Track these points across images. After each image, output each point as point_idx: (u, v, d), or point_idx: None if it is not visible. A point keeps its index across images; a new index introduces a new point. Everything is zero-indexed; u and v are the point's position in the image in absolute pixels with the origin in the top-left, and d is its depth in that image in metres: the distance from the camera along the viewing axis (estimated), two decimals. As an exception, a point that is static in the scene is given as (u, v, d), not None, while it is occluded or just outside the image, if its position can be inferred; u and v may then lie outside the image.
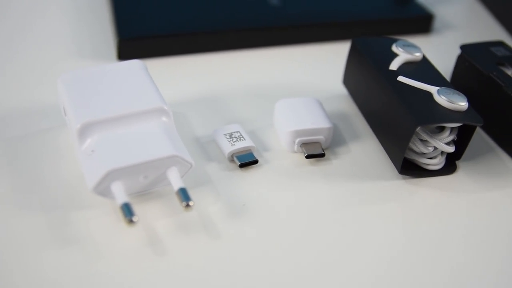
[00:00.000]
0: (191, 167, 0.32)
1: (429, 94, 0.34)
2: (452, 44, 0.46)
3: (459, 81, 0.41)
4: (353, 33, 0.47)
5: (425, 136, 0.33)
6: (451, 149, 0.34)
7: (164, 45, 0.44)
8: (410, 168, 0.35)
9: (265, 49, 0.46)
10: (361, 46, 0.38)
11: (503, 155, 0.37)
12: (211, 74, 0.43)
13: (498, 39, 0.48)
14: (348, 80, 0.40)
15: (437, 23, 0.51)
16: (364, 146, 0.37)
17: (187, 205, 0.30)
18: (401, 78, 0.35)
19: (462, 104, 0.33)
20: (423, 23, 0.49)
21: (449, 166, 0.35)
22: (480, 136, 0.38)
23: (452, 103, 0.33)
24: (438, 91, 0.34)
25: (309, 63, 0.45)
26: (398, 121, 0.33)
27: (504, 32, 0.51)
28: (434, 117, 0.33)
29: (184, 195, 0.30)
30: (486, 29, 0.51)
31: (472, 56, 0.39)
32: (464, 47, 0.40)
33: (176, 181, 0.31)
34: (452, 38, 0.49)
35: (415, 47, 0.38)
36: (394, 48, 0.38)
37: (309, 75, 0.43)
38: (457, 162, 0.36)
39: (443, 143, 0.33)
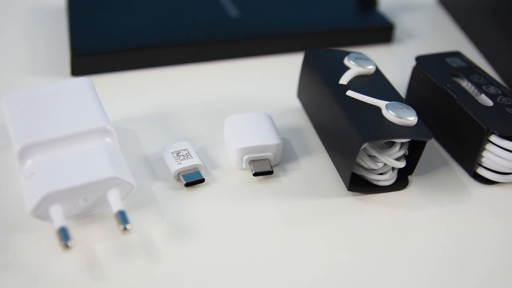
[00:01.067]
0: (133, 188, 0.31)
1: (377, 109, 0.33)
2: (413, 53, 0.45)
3: (414, 93, 0.40)
4: (313, 44, 0.46)
5: (373, 152, 0.33)
6: (401, 164, 0.33)
7: (117, 60, 0.43)
8: (360, 184, 0.34)
9: (222, 62, 0.45)
10: (313, 59, 0.38)
11: (457, 168, 0.36)
12: (165, 89, 0.42)
13: (461, 48, 0.47)
14: (301, 94, 0.40)
15: (400, 32, 0.50)
16: (315, 161, 0.36)
17: (125, 229, 0.29)
18: (350, 93, 0.34)
19: (410, 119, 0.33)
20: (383, 33, 0.48)
21: (401, 181, 0.35)
22: (435, 149, 0.38)
23: (400, 118, 0.32)
24: (386, 105, 0.33)
25: (266, 76, 0.44)
26: (345, 137, 0.33)
27: (467, 41, 0.51)
28: (381, 133, 0.32)
29: (122, 218, 0.29)
30: (449, 38, 0.51)
31: (427, 68, 0.39)
32: (419, 59, 0.39)
33: (115, 204, 0.30)
34: (414, 47, 0.49)
35: (367, 60, 0.37)
36: (346, 61, 0.37)
37: (266, 88, 0.43)
38: (409, 176, 0.35)
39: (393, 159, 0.33)
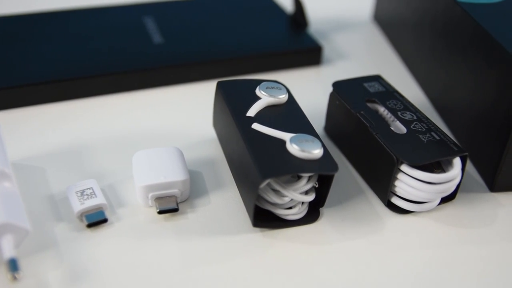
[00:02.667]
0: (28, 234, 0.30)
1: (282, 143, 0.33)
2: (341, 76, 0.45)
3: (332, 119, 0.39)
4: (239, 69, 0.46)
5: (277, 187, 0.32)
6: (308, 198, 0.33)
7: (29, 94, 0.42)
8: (269, 218, 0.33)
9: (140, 92, 0.44)
10: (224, 90, 0.37)
11: (373, 197, 0.36)
12: (77, 122, 0.41)
13: (392, 68, 0.47)
14: (216, 124, 0.39)
15: (331, 53, 0.50)
16: (225, 196, 0.35)
17: (14, 278, 0.28)
18: (255, 126, 0.34)
19: (315, 152, 0.32)
20: (312, 55, 0.48)
21: (312, 214, 0.34)
22: (352, 177, 0.37)
23: (303, 151, 0.32)
24: (291, 139, 0.32)
25: (185, 104, 0.43)
26: (247, 173, 0.32)
27: (399, 60, 0.50)
28: (281, 169, 0.31)
29: (11, 266, 0.29)
30: (381, 58, 0.50)
31: (342, 94, 0.38)
32: (336, 84, 0.39)
33: (6, 251, 0.29)
34: (343, 69, 0.48)
35: (279, 89, 0.37)
36: (258, 91, 0.36)
37: (184, 117, 0.42)
38: (322, 208, 0.35)
39: (299, 193, 0.32)
